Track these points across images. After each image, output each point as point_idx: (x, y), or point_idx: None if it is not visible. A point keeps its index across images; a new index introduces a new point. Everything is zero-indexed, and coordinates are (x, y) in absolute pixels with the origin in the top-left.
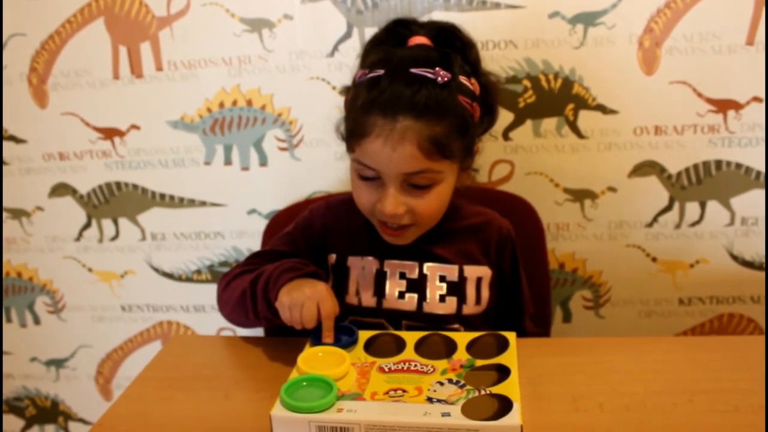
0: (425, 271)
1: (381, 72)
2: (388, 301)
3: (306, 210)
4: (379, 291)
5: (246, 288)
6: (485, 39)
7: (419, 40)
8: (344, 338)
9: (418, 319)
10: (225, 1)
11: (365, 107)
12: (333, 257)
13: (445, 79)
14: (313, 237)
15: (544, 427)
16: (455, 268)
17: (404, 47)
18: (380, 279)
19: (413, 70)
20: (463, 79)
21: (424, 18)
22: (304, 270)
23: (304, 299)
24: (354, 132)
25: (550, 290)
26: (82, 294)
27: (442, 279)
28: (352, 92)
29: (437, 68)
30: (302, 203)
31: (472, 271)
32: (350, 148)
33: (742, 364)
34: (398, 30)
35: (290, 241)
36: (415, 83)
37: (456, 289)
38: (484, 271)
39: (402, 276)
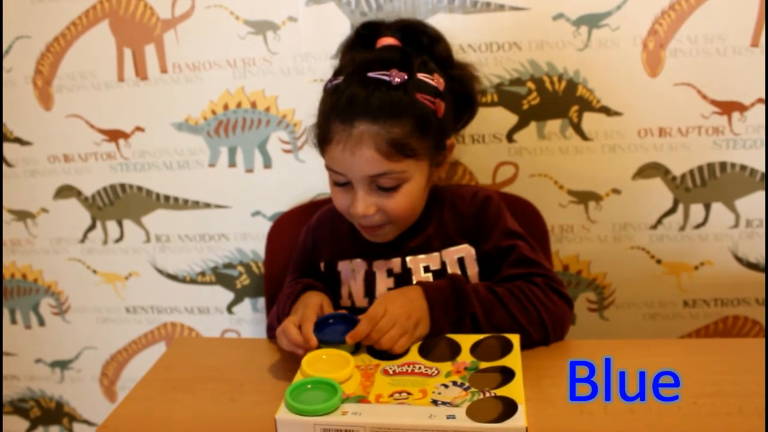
0: (408, 264)
1: (341, 79)
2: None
3: (310, 222)
4: (370, 291)
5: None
6: (489, 41)
7: (387, 41)
8: (344, 328)
9: None
10: (229, 4)
11: (326, 115)
12: (322, 265)
13: (400, 80)
14: (309, 256)
15: (549, 429)
16: (437, 255)
17: (369, 50)
18: (370, 279)
19: (369, 74)
20: (422, 76)
21: (428, 19)
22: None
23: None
24: (320, 139)
25: None
26: (86, 295)
27: (426, 269)
28: (318, 107)
29: (393, 70)
30: (306, 205)
31: (449, 254)
32: (322, 155)
33: (746, 366)
34: (366, 33)
35: (301, 268)
36: (369, 87)
37: (440, 276)
38: (465, 250)
39: (390, 273)
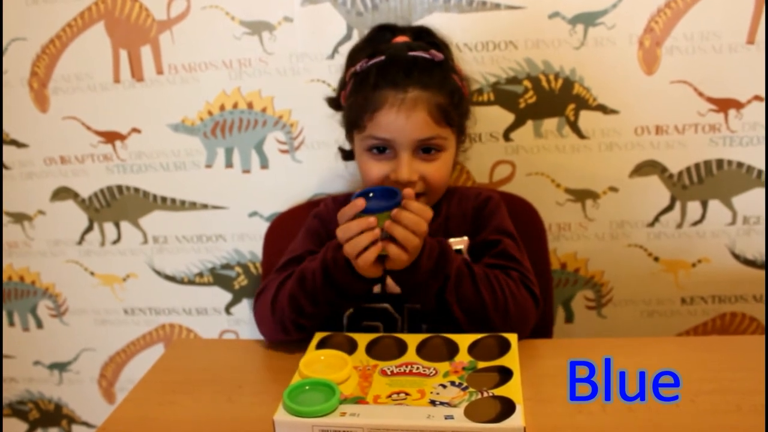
0: None
1: (381, 58)
2: (390, 286)
3: (314, 212)
4: (382, 278)
5: (295, 287)
6: (485, 40)
7: (402, 39)
8: (384, 203)
9: None
10: (225, 4)
11: (376, 84)
12: None
13: (440, 57)
14: (323, 241)
15: (547, 428)
16: None
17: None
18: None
19: (411, 53)
20: (452, 62)
21: (425, 18)
22: None
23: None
24: (366, 109)
25: (552, 290)
26: (84, 297)
27: None
28: (357, 82)
29: (431, 50)
30: (303, 205)
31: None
32: (361, 127)
33: (745, 364)
34: (382, 34)
35: (312, 238)
36: (416, 61)
37: None
38: (463, 242)
39: None
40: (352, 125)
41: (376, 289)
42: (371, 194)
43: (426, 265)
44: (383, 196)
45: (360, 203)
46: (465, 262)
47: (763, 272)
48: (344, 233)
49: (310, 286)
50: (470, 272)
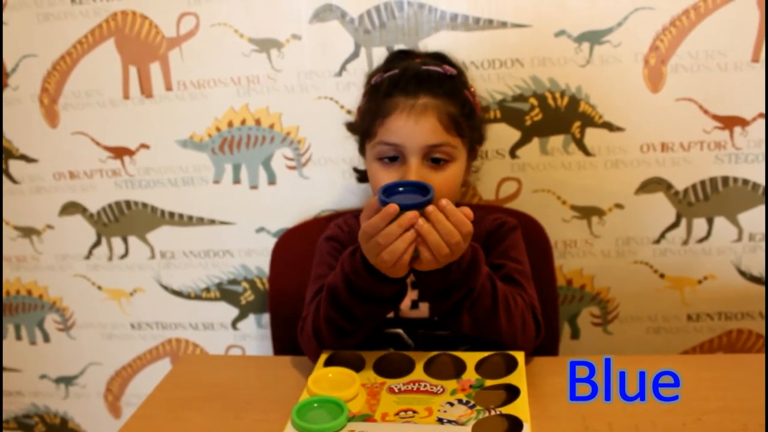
0: None
1: (395, 71)
2: (403, 311)
3: (327, 235)
4: (408, 275)
5: (329, 309)
6: (492, 58)
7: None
8: (419, 198)
9: (433, 326)
10: (233, 22)
11: (388, 92)
12: None
13: (453, 72)
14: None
15: None
16: None
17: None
18: None
19: (424, 67)
20: (464, 79)
21: (431, 36)
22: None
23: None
24: (377, 115)
25: (558, 307)
26: (91, 312)
27: None
28: (370, 93)
29: (444, 66)
30: (311, 222)
31: None
32: (372, 135)
33: (751, 382)
34: (400, 56)
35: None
36: (429, 74)
37: None
38: None
39: (414, 285)
40: (364, 135)
41: (389, 314)
42: (401, 188)
43: (454, 275)
44: (412, 191)
45: (393, 209)
46: (490, 276)
47: (766, 289)
48: (386, 239)
49: (341, 302)
50: (493, 289)
